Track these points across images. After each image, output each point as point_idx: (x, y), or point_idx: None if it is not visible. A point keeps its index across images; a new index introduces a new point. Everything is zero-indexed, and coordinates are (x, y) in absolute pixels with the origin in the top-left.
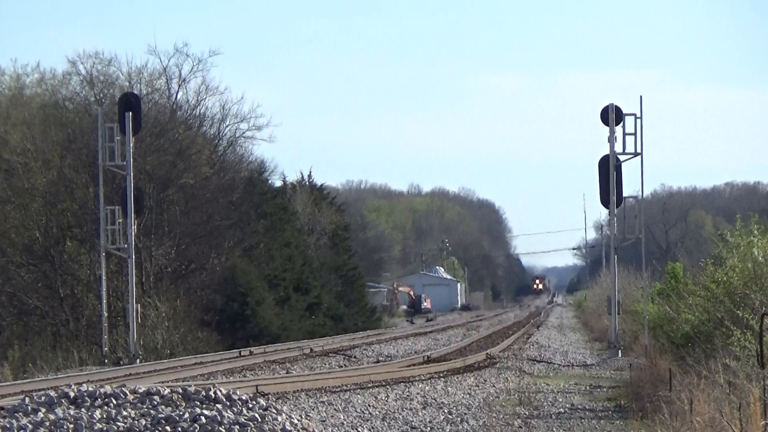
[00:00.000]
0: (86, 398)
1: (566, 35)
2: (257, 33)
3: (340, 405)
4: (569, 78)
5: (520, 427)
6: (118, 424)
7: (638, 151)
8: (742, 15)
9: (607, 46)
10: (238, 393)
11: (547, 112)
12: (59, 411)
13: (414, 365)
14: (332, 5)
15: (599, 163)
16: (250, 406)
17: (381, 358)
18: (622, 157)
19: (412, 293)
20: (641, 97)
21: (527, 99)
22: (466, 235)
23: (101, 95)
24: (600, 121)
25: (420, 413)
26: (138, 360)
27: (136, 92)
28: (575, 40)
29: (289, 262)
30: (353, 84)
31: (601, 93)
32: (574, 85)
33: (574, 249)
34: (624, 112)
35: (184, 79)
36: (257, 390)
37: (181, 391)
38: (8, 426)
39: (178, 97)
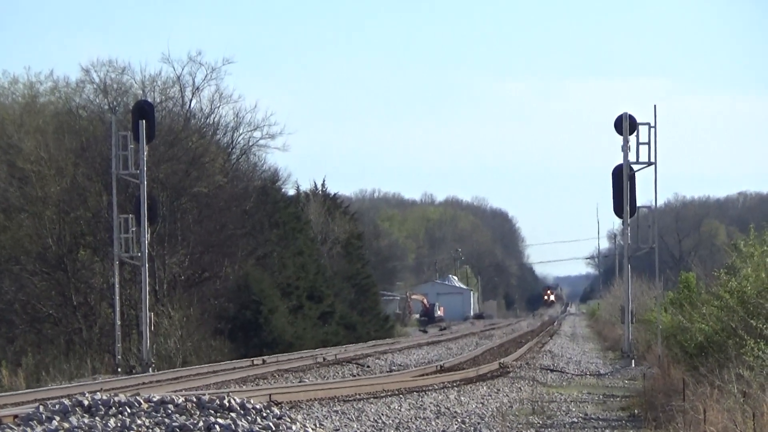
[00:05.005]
0: (100, 407)
1: (578, 43)
2: (271, 41)
3: (354, 414)
4: (582, 87)
5: None
6: None
7: (652, 160)
8: (754, 24)
9: (621, 54)
10: (251, 402)
11: (560, 120)
12: (74, 419)
13: (427, 374)
14: (344, 13)
15: (613, 172)
16: (264, 415)
17: (394, 368)
18: (635, 167)
19: (425, 302)
20: (655, 106)
21: (540, 107)
22: (479, 244)
23: (115, 103)
24: (614, 130)
25: (433, 423)
26: (151, 368)
27: (149, 100)
28: (587, 49)
29: (302, 270)
30: (366, 92)
31: (615, 102)
32: (586, 94)
33: (587, 258)
34: (638, 121)
35: (197, 88)
36: (270, 399)
37: (195, 399)
38: None
39: (192, 105)
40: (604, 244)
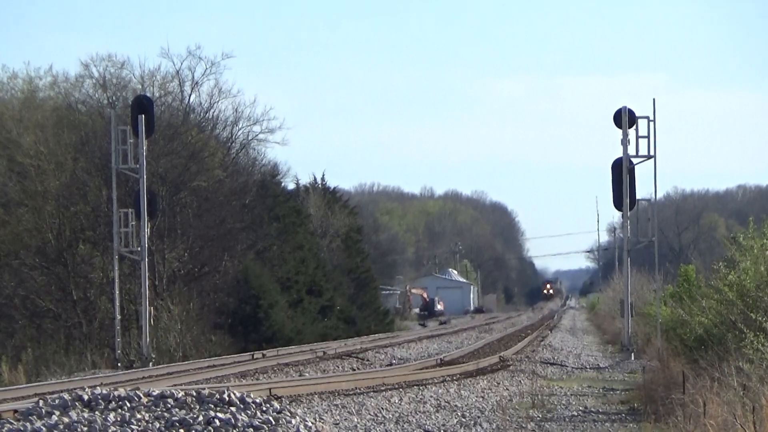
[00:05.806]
0: (100, 401)
1: (576, 39)
2: (270, 36)
3: (354, 408)
4: (581, 81)
5: (534, 430)
6: (132, 427)
7: (651, 153)
8: (753, 18)
9: (618, 49)
10: (251, 396)
11: (559, 115)
12: (73, 414)
13: (427, 368)
14: (344, 10)
15: (612, 166)
16: (264, 409)
17: (394, 361)
18: (635, 160)
19: (425, 296)
20: (654, 99)
21: (539, 102)
22: (478, 237)
23: (114, 98)
24: (613, 124)
25: (433, 416)
26: (151, 363)
27: (149, 95)
28: (586, 44)
29: (301, 264)
30: (366, 88)
31: (613, 96)
32: (586, 89)
33: (587, 252)
34: (637, 115)
35: (196, 82)
36: (270, 393)
37: (194, 393)
38: (23, 429)
39: (191, 99)
40: (604, 238)
